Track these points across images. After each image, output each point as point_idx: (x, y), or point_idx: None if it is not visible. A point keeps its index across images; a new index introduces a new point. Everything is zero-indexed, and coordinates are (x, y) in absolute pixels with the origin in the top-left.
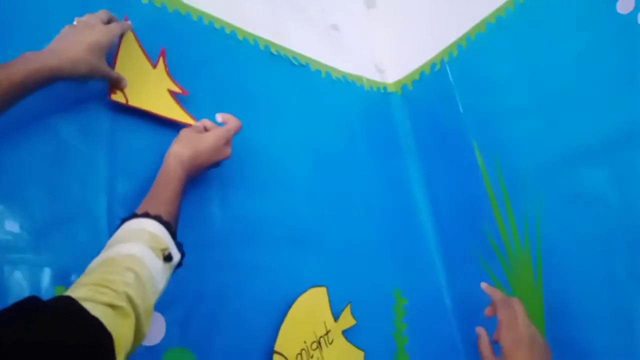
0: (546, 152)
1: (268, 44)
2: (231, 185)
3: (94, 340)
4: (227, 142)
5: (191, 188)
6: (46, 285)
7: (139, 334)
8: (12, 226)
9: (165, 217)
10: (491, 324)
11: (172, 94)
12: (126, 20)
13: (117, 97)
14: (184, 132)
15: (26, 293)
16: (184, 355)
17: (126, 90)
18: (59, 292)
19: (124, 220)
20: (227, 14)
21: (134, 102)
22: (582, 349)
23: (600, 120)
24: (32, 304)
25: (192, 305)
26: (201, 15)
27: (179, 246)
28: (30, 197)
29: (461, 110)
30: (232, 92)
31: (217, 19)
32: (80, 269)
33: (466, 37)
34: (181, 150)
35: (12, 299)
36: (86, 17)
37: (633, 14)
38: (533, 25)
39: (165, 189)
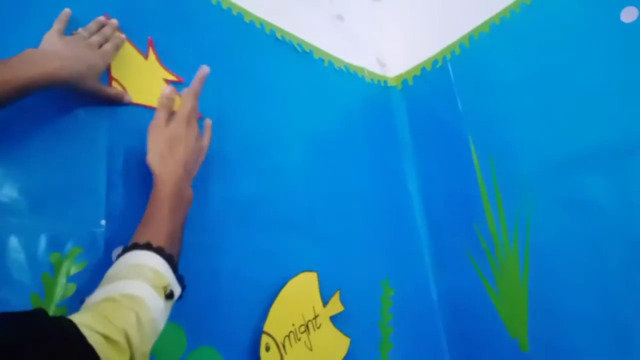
0: (542, 155)
1: (274, 29)
2: (229, 167)
3: None
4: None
5: None
6: (41, 252)
7: None
8: (11, 190)
9: (167, 246)
10: (478, 321)
11: (168, 83)
12: (112, 26)
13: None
14: (155, 146)
15: (22, 259)
16: (173, 329)
17: (127, 88)
18: (53, 259)
19: (125, 250)
20: None
21: (136, 99)
22: (564, 348)
23: (598, 127)
24: (37, 322)
25: (190, 286)
26: None
27: (180, 279)
28: (31, 162)
29: (460, 108)
30: (235, 75)
31: (225, 0)
32: (76, 237)
33: (469, 36)
34: (165, 178)
35: (8, 265)
36: (85, 34)
37: (636, 23)
38: (537, 29)
39: (161, 210)
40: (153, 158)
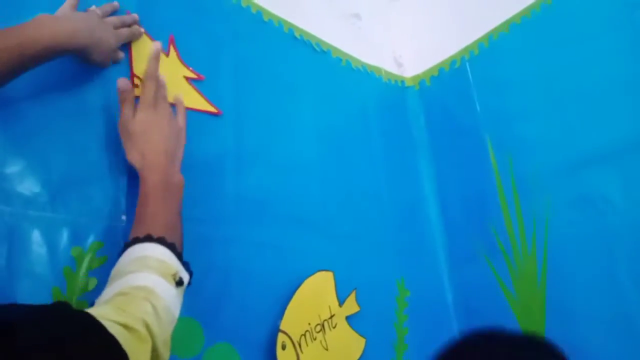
0: (559, 154)
1: (292, 28)
2: (246, 163)
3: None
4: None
5: (207, 164)
6: (63, 246)
7: None
8: (32, 184)
9: (166, 235)
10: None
11: (189, 80)
12: (132, 17)
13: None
14: (130, 142)
15: (44, 252)
16: (191, 325)
17: None
18: (75, 253)
19: (127, 245)
20: None
21: None
22: (582, 351)
23: (614, 126)
24: (58, 314)
25: (202, 278)
26: None
27: (186, 265)
28: (53, 156)
29: (478, 109)
30: (252, 73)
31: None
32: (97, 231)
33: (489, 36)
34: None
35: (30, 258)
36: (100, 12)
37: None
38: (556, 29)
39: (156, 201)
40: (132, 155)
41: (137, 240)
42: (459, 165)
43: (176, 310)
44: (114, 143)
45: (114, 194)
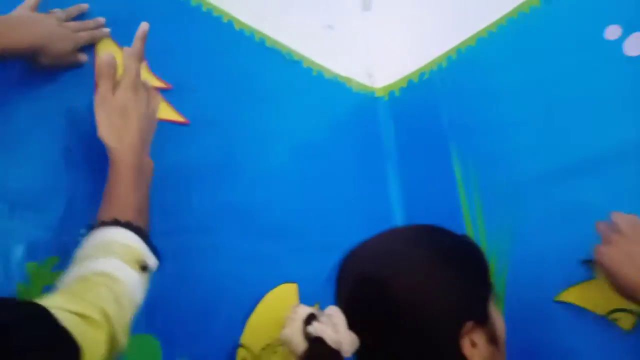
0: (523, 168)
1: (263, 37)
2: (212, 174)
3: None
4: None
5: (173, 175)
6: (17, 261)
7: (114, 348)
8: None
9: (134, 220)
10: None
11: (157, 90)
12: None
13: None
14: (106, 118)
15: None
16: (149, 342)
17: None
18: (29, 268)
19: (92, 227)
20: (226, 2)
21: None
22: None
23: (577, 140)
24: (3, 304)
25: (161, 292)
26: (200, 2)
27: (154, 250)
28: (7, 166)
29: (445, 120)
30: (222, 82)
31: (217, 7)
32: (54, 248)
33: (457, 49)
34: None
35: None
36: (62, 15)
37: (619, 41)
38: (524, 43)
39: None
40: (105, 131)
41: (103, 224)
42: (425, 177)
43: (138, 295)
44: (74, 155)
45: (72, 208)
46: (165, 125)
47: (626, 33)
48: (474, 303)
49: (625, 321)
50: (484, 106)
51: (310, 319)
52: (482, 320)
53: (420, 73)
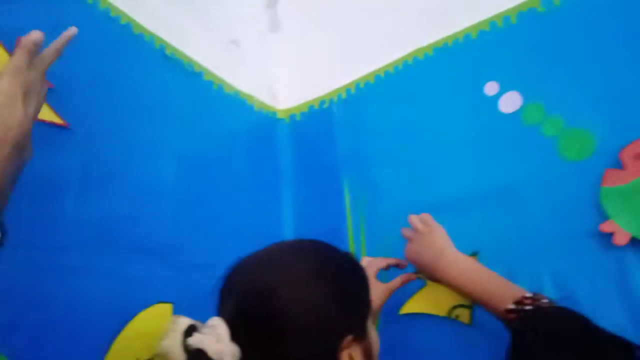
0: (405, 201)
1: (164, 44)
2: (93, 183)
3: None
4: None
5: (47, 181)
6: None
7: None
8: None
9: None
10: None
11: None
12: None
13: None
14: (9, 88)
15: None
16: None
17: None
18: None
19: None
20: (127, 4)
21: None
22: None
23: (458, 178)
24: None
25: (22, 311)
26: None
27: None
28: None
29: (338, 149)
30: (112, 86)
31: (116, 8)
32: None
33: (356, 83)
34: None
35: None
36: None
37: (497, 96)
38: (414, 86)
39: None
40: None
41: None
42: (317, 202)
43: None
44: None
45: None
46: (41, 126)
47: (503, 90)
48: (354, 318)
49: (464, 316)
50: (373, 141)
51: (191, 330)
52: (361, 335)
53: (321, 101)
